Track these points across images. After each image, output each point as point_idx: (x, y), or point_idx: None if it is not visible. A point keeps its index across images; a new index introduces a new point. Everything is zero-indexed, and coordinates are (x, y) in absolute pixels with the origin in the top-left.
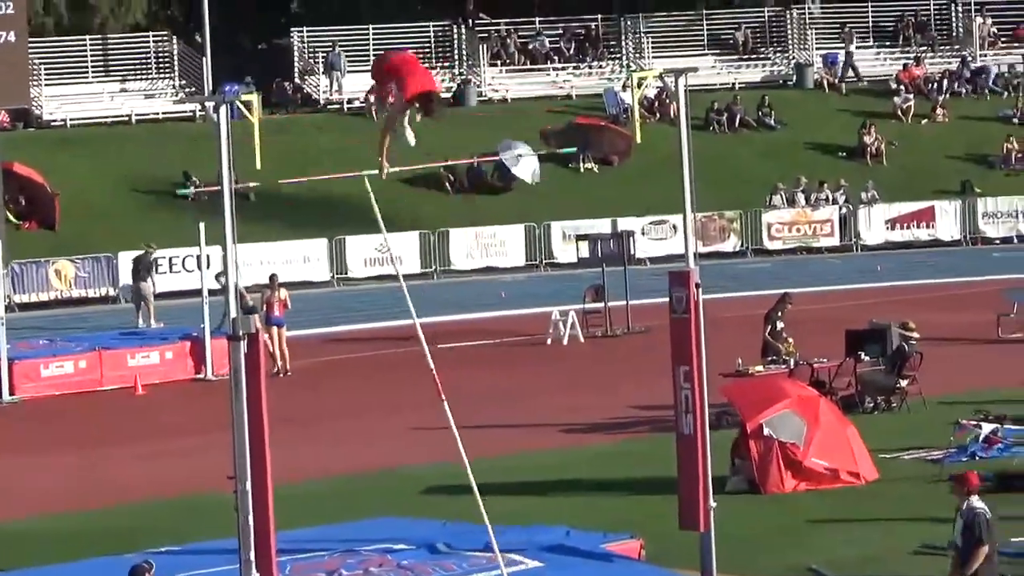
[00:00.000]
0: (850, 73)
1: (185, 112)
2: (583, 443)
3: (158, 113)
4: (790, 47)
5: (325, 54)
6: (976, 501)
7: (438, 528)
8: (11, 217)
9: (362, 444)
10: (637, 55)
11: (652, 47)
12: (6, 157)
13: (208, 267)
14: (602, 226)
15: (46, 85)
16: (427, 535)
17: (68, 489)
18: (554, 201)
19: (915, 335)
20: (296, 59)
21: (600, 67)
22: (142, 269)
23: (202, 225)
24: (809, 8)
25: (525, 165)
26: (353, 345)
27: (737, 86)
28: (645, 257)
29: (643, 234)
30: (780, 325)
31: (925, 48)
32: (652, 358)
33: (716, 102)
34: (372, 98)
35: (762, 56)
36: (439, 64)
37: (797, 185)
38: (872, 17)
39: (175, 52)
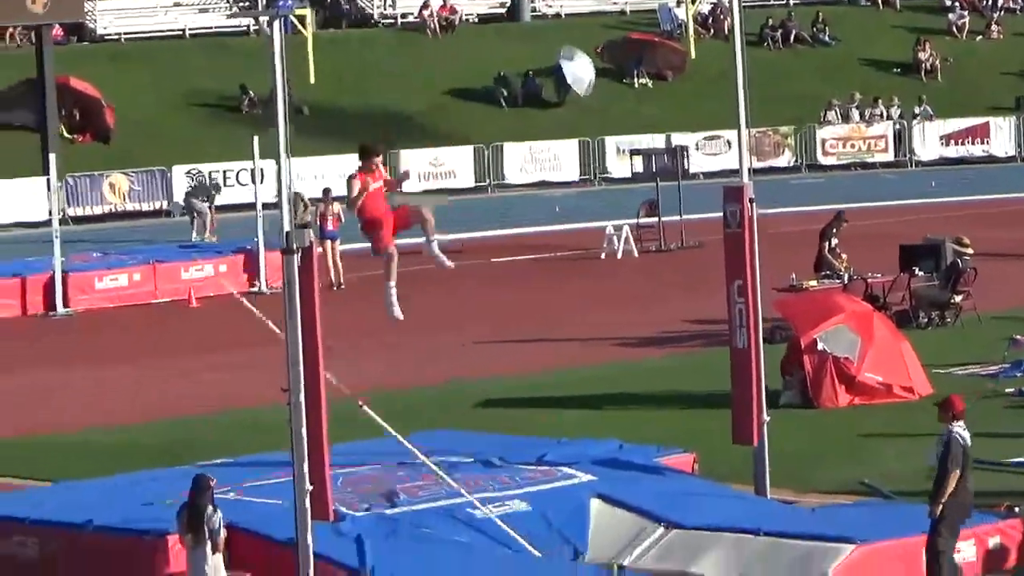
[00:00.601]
0: None
1: (239, 27)
2: (636, 357)
3: (212, 27)
4: None
5: None
6: (958, 427)
7: (491, 441)
8: (65, 131)
9: (416, 358)
10: None
11: None
12: (61, 71)
13: (262, 181)
14: (656, 141)
15: None
16: (480, 448)
17: (122, 402)
18: (608, 116)
19: (969, 251)
20: None
21: None
22: (200, 191)
23: (256, 139)
24: None
25: (580, 72)
26: (407, 258)
27: (792, 2)
28: (699, 172)
29: (697, 149)
30: (835, 242)
31: None
32: (706, 273)
33: (771, 18)
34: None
35: None
36: None
37: (851, 101)
38: None
39: None
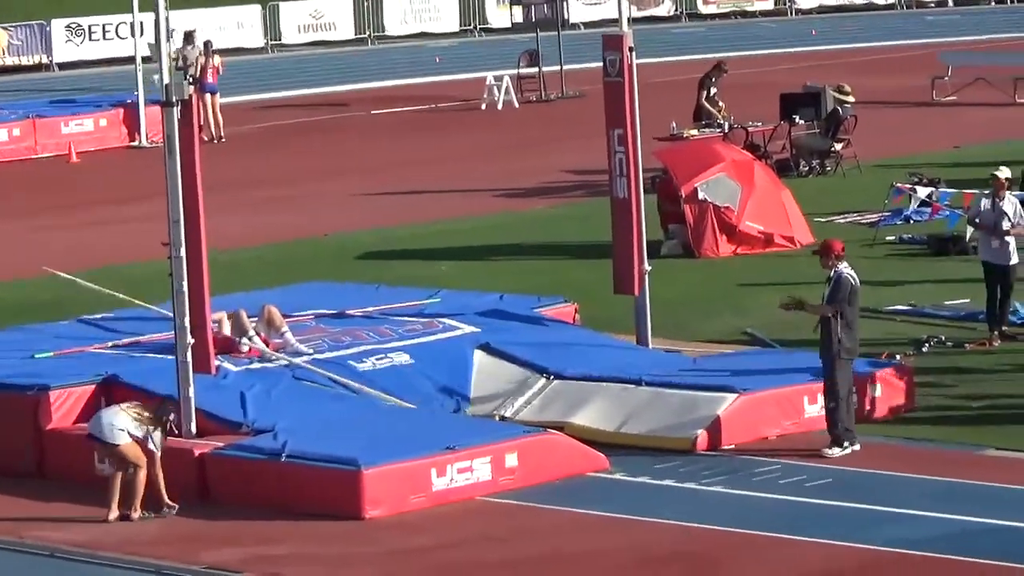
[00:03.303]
0: None
1: None
2: (518, 208)
3: None
4: None
5: None
6: (843, 266)
7: (371, 292)
8: None
9: (296, 211)
10: None
11: None
12: None
13: (142, 34)
14: None
15: None
16: (360, 301)
17: (2, 259)
18: None
19: (850, 99)
20: None
21: None
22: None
23: None
24: None
25: None
26: (287, 111)
27: None
28: (579, 22)
29: None
30: (713, 91)
31: None
32: (587, 122)
33: None
34: None
35: None
36: None
37: None
38: None
39: None
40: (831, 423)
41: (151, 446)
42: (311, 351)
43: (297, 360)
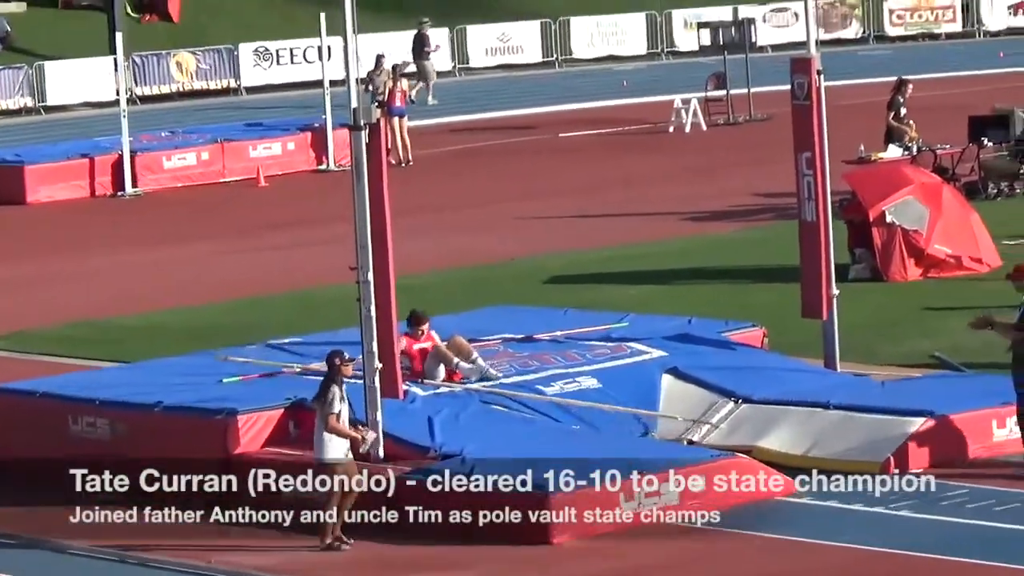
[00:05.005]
0: None
1: None
2: (706, 231)
3: None
4: None
5: None
6: None
7: (559, 316)
8: (130, 10)
9: (485, 233)
10: None
11: None
12: None
13: (329, 58)
14: (723, 13)
15: None
16: (549, 325)
17: (191, 282)
18: None
19: None
20: None
21: None
22: (417, 46)
23: (322, 15)
24: None
25: None
26: (475, 135)
27: None
28: (766, 45)
29: (764, 21)
30: (903, 112)
31: None
32: (774, 145)
33: None
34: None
35: None
36: None
37: None
38: None
39: None
40: None
41: (329, 409)
42: (499, 375)
43: (486, 384)
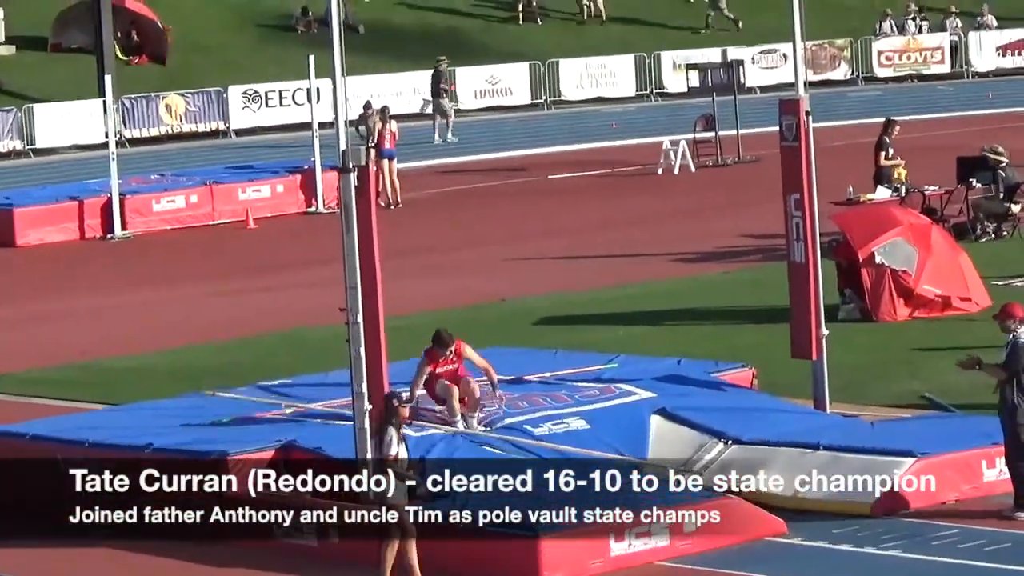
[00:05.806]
0: None
1: None
2: (695, 272)
3: None
4: None
5: None
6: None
7: (549, 358)
8: (120, 53)
9: (473, 275)
10: None
11: None
12: None
13: (318, 100)
14: (712, 55)
15: None
16: (538, 366)
17: (180, 324)
18: (663, 31)
19: (1003, 159)
20: None
21: None
22: (435, 83)
23: (311, 58)
24: None
25: None
26: (464, 176)
27: None
28: (755, 86)
29: (753, 63)
30: (891, 151)
31: None
32: (763, 187)
33: None
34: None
35: None
36: None
37: (907, 13)
38: None
39: None
40: (1017, 483)
41: (387, 450)
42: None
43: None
